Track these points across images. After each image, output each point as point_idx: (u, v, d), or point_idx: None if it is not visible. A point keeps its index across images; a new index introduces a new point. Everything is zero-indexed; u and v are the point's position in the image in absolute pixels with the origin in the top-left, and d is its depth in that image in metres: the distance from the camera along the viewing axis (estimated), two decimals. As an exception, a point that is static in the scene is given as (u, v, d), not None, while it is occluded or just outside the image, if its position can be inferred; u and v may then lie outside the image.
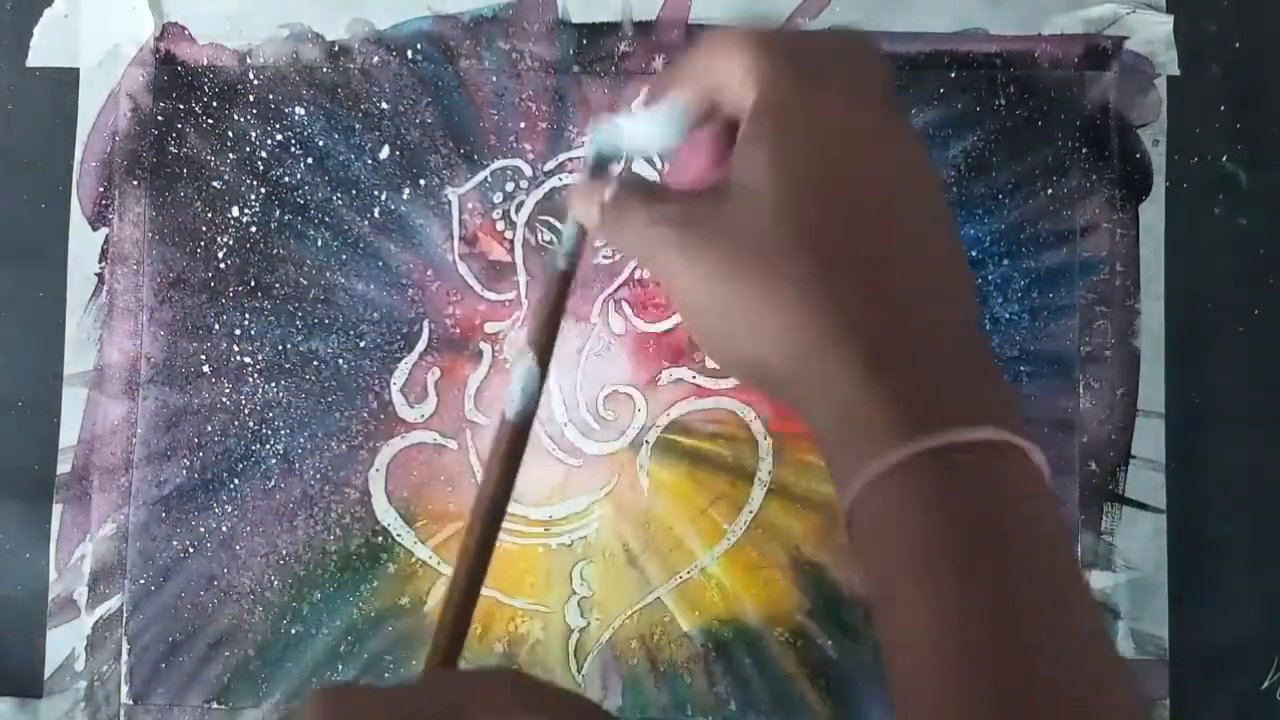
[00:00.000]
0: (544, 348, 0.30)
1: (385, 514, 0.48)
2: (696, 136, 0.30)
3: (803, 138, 0.27)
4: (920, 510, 0.24)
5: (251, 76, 0.49)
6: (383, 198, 0.49)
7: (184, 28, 0.50)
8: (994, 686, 0.23)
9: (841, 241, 0.26)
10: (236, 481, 0.49)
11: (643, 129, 0.30)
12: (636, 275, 0.48)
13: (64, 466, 0.49)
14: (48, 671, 0.49)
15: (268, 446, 0.49)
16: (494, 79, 0.49)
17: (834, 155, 0.27)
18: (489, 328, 0.49)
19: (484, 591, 0.48)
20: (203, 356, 0.49)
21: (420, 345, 0.49)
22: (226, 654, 0.48)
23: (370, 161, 0.49)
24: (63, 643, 0.49)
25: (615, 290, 0.49)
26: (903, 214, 0.27)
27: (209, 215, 0.49)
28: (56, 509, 0.49)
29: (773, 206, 0.26)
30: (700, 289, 0.27)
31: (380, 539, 0.48)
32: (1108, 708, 0.23)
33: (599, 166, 0.31)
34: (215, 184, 0.49)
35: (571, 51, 0.49)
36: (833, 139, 0.27)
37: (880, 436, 0.24)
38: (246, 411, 0.49)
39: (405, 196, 0.49)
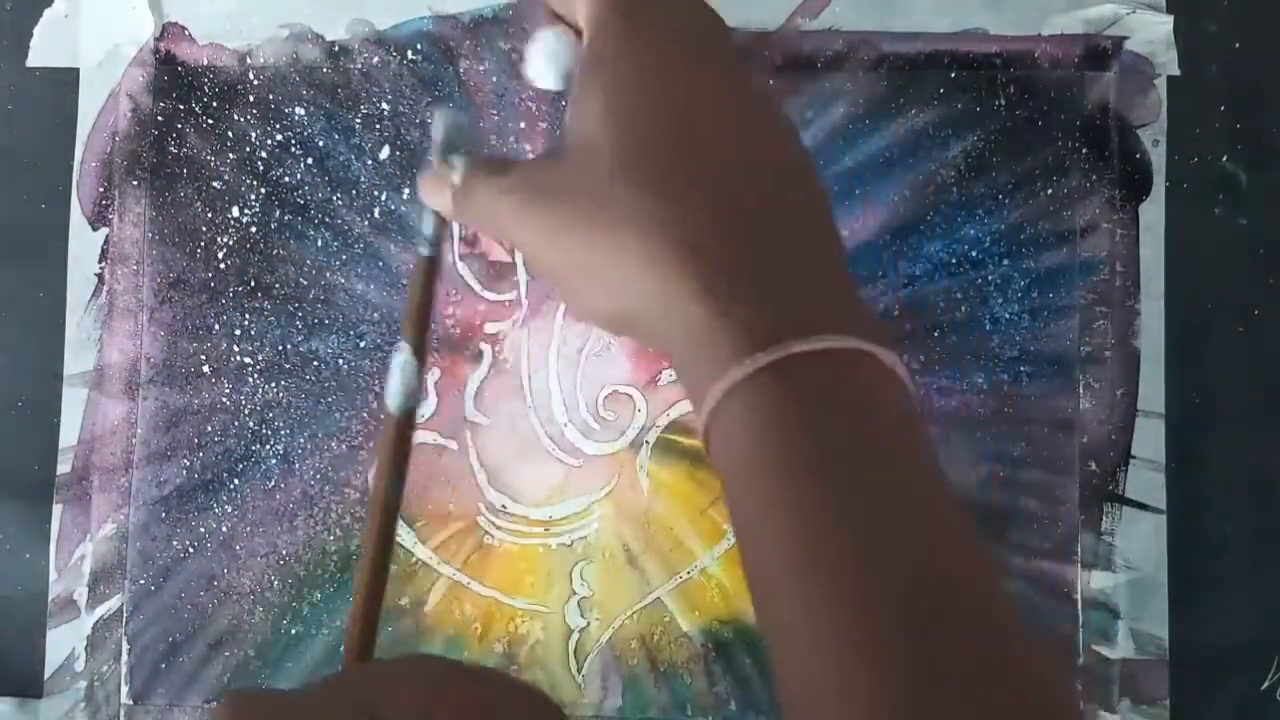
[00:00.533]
0: (417, 338, 0.31)
1: (385, 514, 0.48)
2: None
3: (631, 84, 0.27)
4: (762, 424, 0.24)
5: (251, 76, 0.49)
6: (383, 198, 0.49)
7: (184, 28, 0.50)
8: (841, 577, 0.23)
9: (678, 179, 0.26)
10: (236, 481, 0.49)
11: (532, 63, 0.31)
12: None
13: (64, 466, 0.49)
14: (48, 671, 0.49)
15: (268, 447, 0.49)
16: (494, 79, 0.49)
17: (664, 97, 0.27)
18: (489, 328, 0.49)
19: (484, 591, 0.48)
20: (203, 356, 0.49)
21: (420, 345, 0.49)
22: (226, 654, 0.48)
23: (370, 162, 0.49)
24: (63, 643, 0.49)
25: (615, 290, 0.49)
26: (741, 147, 0.27)
27: (209, 215, 0.49)
28: (56, 509, 0.49)
29: (608, 156, 0.26)
30: (550, 247, 0.27)
31: (380, 539, 0.48)
32: (971, 598, 0.23)
33: (448, 150, 0.31)
34: (215, 184, 0.49)
35: (571, 51, 0.49)
36: (662, 82, 0.27)
37: (723, 356, 0.24)
38: (246, 411, 0.49)
39: (405, 196, 0.49)
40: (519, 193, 0.28)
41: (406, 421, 0.30)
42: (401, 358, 0.30)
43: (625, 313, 0.27)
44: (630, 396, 0.49)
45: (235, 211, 0.49)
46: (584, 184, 0.27)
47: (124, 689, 0.48)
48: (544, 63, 0.30)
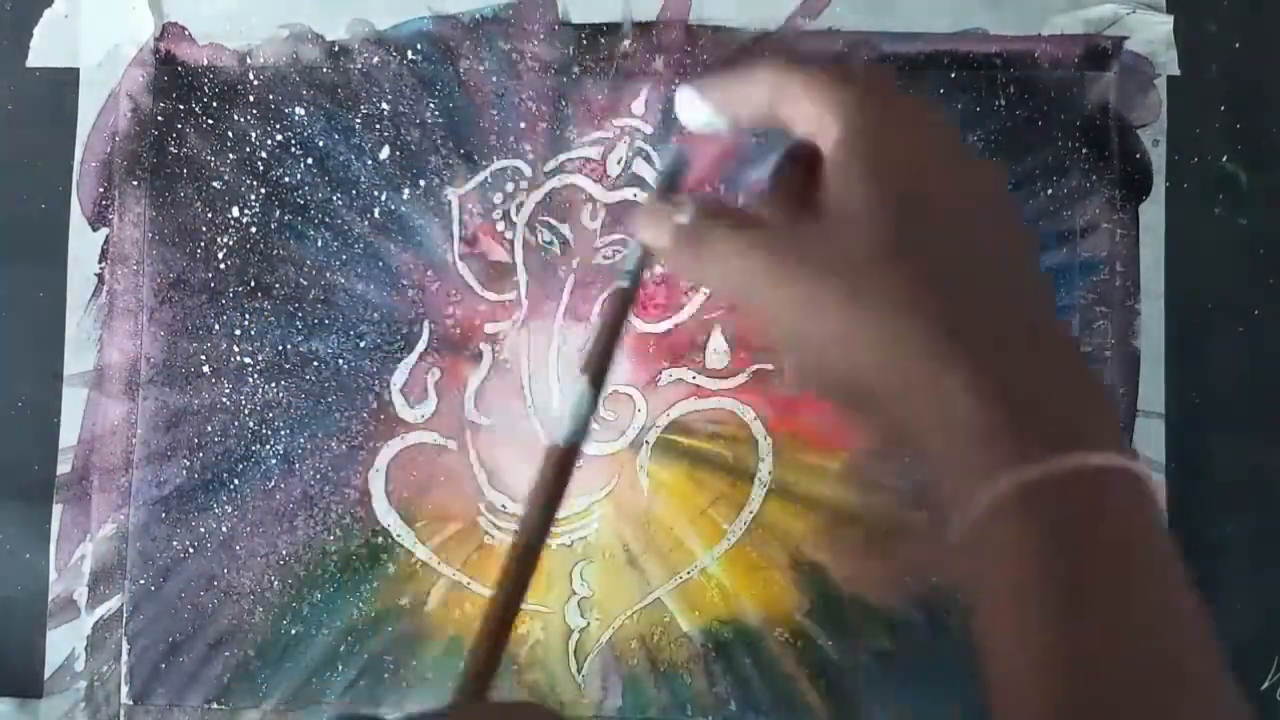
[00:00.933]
0: (598, 371, 0.29)
1: (385, 514, 0.48)
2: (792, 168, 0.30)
3: (897, 168, 0.27)
4: (1030, 543, 0.24)
5: (251, 76, 0.49)
6: (383, 198, 0.49)
7: (184, 28, 0.50)
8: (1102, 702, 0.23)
9: (939, 260, 0.26)
10: (236, 482, 0.49)
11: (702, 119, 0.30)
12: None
13: (64, 466, 0.49)
14: (48, 671, 0.49)
15: (268, 447, 0.49)
16: (494, 79, 0.49)
17: (924, 177, 0.27)
18: (489, 328, 0.49)
19: (484, 591, 0.48)
20: (203, 356, 0.49)
21: (420, 346, 0.49)
22: (226, 654, 0.48)
23: (370, 162, 0.49)
24: (63, 643, 0.49)
25: (615, 290, 0.49)
26: (992, 232, 0.27)
27: (209, 215, 0.49)
28: (56, 509, 0.49)
29: (869, 227, 0.26)
30: (800, 316, 0.27)
31: (380, 539, 0.48)
32: None
33: (669, 184, 0.31)
34: (215, 184, 0.49)
35: (571, 52, 0.49)
36: (920, 162, 0.27)
37: (1001, 460, 0.24)
38: (246, 412, 0.49)
39: (405, 197, 0.49)
40: (766, 254, 0.27)
41: (570, 454, 0.29)
42: (579, 389, 0.29)
43: (872, 390, 0.26)
44: (630, 397, 0.49)
45: (235, 211, 0.49)
46: (842, 251, 0.26)
47: (124, 689, 0.48)
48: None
